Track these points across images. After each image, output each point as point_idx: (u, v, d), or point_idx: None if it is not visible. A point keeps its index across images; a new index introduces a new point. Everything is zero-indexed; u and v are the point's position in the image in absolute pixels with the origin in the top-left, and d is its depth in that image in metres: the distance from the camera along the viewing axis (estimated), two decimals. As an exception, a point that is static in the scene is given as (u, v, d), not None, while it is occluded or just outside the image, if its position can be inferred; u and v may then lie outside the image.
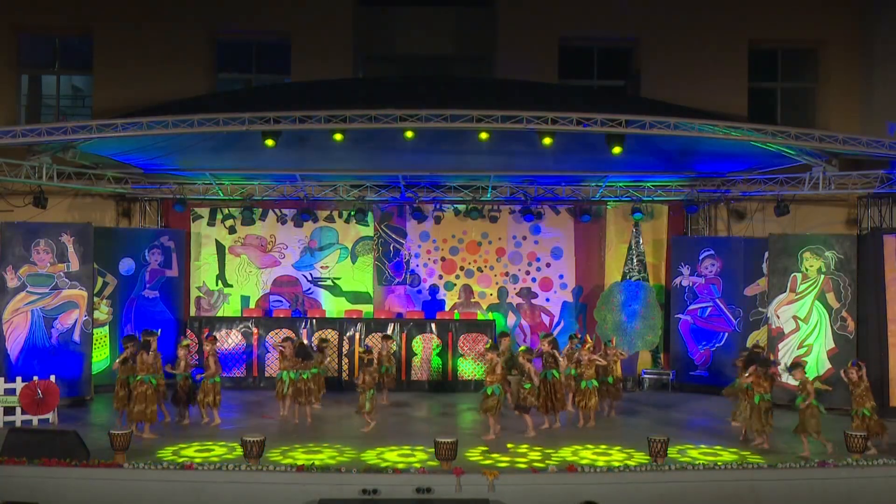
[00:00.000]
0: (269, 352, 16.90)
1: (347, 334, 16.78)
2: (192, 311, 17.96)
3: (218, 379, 13.34)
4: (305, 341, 15.56)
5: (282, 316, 17.46)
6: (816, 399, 11.56)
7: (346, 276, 18.31)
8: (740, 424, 12.53)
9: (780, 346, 15.30)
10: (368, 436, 12.37)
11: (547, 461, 10.75)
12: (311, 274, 18.31)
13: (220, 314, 17.93)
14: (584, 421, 13.18)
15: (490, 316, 17.93)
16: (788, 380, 14.40)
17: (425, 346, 16.84)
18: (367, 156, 15.92)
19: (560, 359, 13.04)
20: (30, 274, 15.03)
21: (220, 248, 18.27)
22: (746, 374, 12.28)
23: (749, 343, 16.36)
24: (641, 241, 17.73)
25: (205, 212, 18.20)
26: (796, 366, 12.16)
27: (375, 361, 13.66)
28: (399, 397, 15.60)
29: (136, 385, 12.28)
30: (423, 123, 13.18)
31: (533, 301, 18.32)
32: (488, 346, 13.56)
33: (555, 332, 17.88)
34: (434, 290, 18.34)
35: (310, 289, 18.25)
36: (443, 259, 18.40)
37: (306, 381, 13.57)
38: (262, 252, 18.31)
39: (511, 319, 18.26)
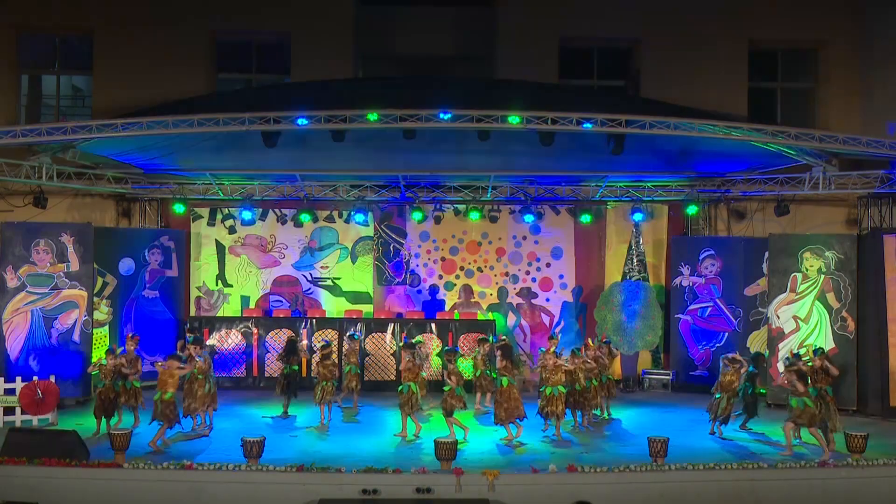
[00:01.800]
0: (268, 352, 16.92)
1: (347, 334, 16.76)
2: (192, 311, 17.96)
3: (137, 384, 12.91)
4: (305, 341, 15.74)
5: (282, 316, 17.47)
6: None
7: (346, 276, 18.30)
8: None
9: (780, 346, 15.31)
10: (370, 435, 12.38)
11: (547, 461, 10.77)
12: (311, 274, 18.31)
13: (220, 314, 17.93)
14: (547, 426, 12.60)
15: (490, 316, 17.93)
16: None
17: (425, 345, 16.83)
18: (367, 156, 15.91)
19: (510, 366, 12.30)
20: (30, 274, 15.03)
21: (220, 248, 18.27)
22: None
23: (749, 344, 16.40)
24: (641, 241, 17.75)
25: (205, 212, 18.20)
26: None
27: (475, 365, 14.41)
28: (380, 397, 15.55)
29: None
30: (423, 123, 13.17)
31: (533, 301, 18.32)
32: (402, 344, 13.94)
33: (555, 332, 17.91)
34: (434, 290, 18.34)
35: (310, 289, 18.25)
36: (443, 259, 18.40)
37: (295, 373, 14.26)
38: (262, 252, 18.31)
39: (511, 319, 18.25)
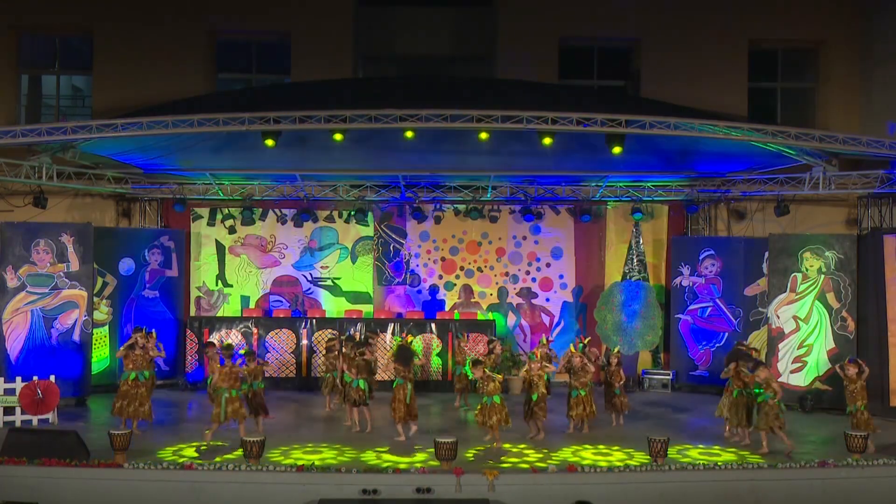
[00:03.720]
0: (269, 351, 16.92)
1: (347, 334, 16.74)
2: (192, 311, 17.96)
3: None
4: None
5: (282, 316, 17.47)
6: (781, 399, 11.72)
7: (346, 276, 18.30)
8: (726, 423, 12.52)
9: (780, 346, 15.31)
10: (369, 436, 12.40)
11: (547, 461, 10.76)
12: (311, 274, 18.31)
13: (220, 314, 17.93)
14: (492, 440, 11.86)
15: (490, 316, 17.93)
16: (789, 379, 14.47)
17: (425, 346, 16.85)
18: (367, 156, 15.92)
19: (401, 367, 12.22)
20: (30, 274, 15.03)
21: (220, 248, 18.28)
22: (726, 370, 12.47)
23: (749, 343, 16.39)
24: (641, 241, 17.73)
25: (205, 212, 18.20)
26: (759, 364, 12.22)
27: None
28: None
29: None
30: (423, 123, 13.16)
31: (533, 301, 18.32)
32: (345, 336, 14.24)
33: (555, 333, 17.93)
34: (434, 290, 18.34)
35: (310, 289, 18.25)
36: (443, 259, 18.40)
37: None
38: (262, 252, 18.31)
39: (511, 319, 18.26)
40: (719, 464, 10.46)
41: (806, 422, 13.45)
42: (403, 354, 12.59)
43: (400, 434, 12.15)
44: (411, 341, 14.57)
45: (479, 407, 12.02)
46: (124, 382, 12.64)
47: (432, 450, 10.46)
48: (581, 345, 13.72)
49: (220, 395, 11.74)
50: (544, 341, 13.97)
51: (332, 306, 18.13)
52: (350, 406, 12.97)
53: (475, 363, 12.40)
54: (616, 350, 13.93)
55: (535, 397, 12.36)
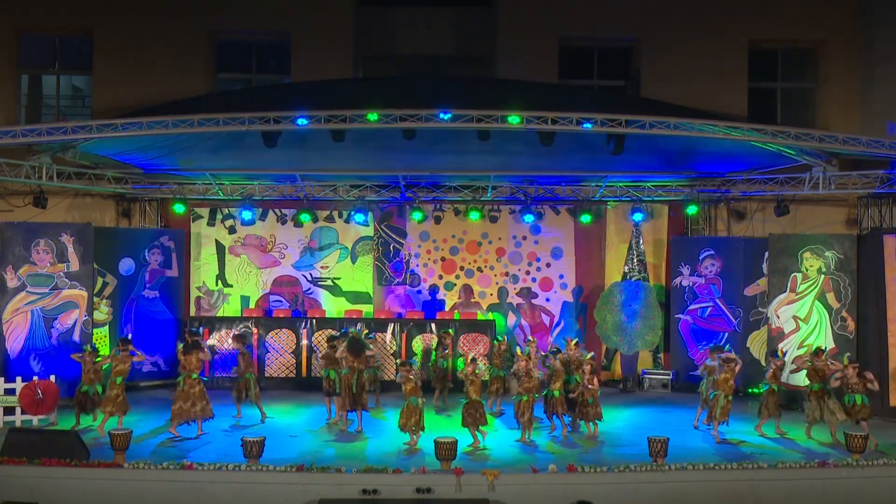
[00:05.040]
0: (268, 352, 16.92)
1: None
2: (192, 311, 17.96)
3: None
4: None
5: (282, 316, 17.47)
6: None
7: (346, 276, 18.30)
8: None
9: (780, 346, 15.30)
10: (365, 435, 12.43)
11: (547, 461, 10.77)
12: (311, 274, 18.31)
13: (220, 314, 17.93)
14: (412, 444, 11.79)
15: (490, 316, 17.92)
16: (790, 379, 14.46)
17: (425, 346, 16.85)
18: (367, 156, 15.91)
19: (351, 358, 12.77)
20: (30, 274, 15.05)
21: (220, 248, 18.27)
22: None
23: (749, 344, 16.41)
24: (641, 241, 17.73)
25: (205, 212, 18.19)
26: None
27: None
28: (399, 397, 15.53)
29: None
30: (423, 123, 13.18)
31: (533, 301, 18.32)
32: (339, 334, 14.59)
33: (555, 333, 17.93)
34: (434, 290, 18.34)
35: (310, 289, 18.25)
36: (443, 259, 18.40)
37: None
38: (262, 252, 18.31)
39: (511, 319, 18.25)
40: (719, 464, 10.45)
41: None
42: (354, 346, 12.94)
43: (353, 422, 12.67)
44: (366, 334, 15.16)
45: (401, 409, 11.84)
46: (186, 380, 12.29)
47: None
48: (527, 348, 13.47)
49: (248, 380, 13.78)
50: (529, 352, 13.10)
51: (332, 306, 18.12)
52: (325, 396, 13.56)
53: (402, 365, 12.32)
54: (589, 357, 13.16)
55: (465, 401, 11.97)
